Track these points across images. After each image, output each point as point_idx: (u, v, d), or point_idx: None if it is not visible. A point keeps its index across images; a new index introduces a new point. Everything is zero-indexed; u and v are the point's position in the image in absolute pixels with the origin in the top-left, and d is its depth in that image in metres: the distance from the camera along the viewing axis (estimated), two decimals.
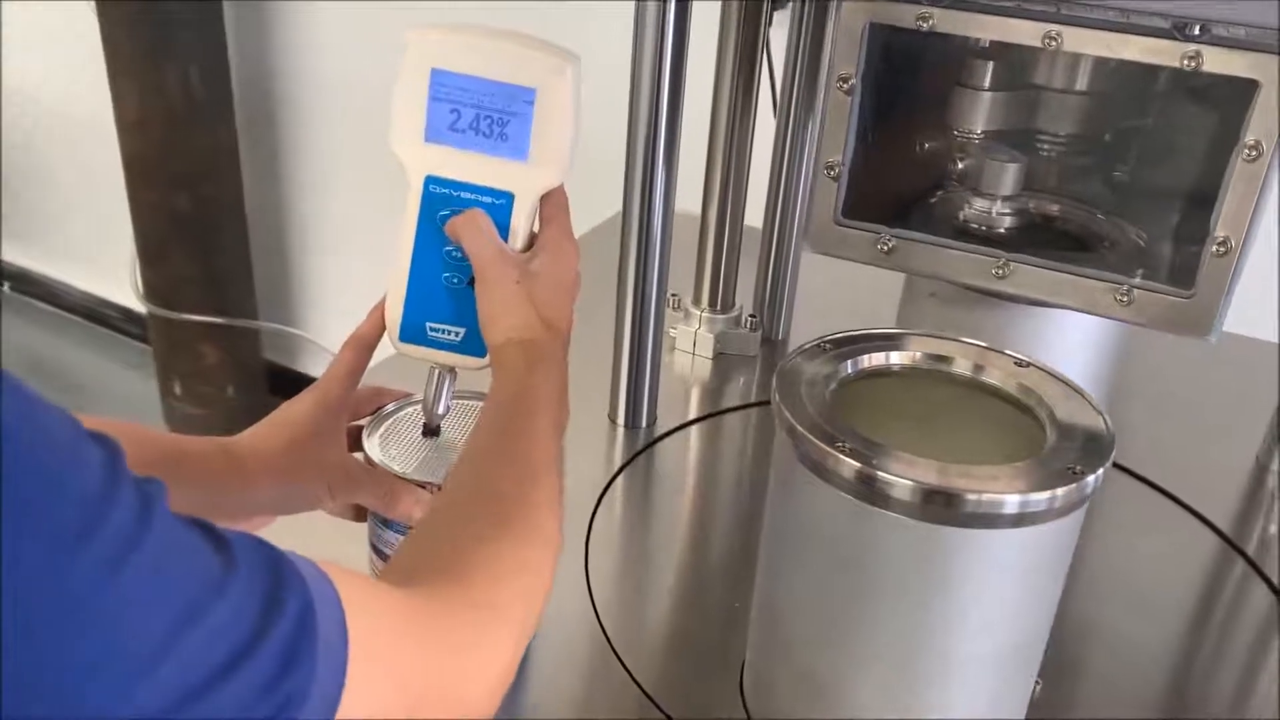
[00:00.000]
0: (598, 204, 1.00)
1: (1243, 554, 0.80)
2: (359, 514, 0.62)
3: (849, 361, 0.57)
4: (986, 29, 0.67)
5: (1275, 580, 0.77)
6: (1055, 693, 0.64)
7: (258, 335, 2.14)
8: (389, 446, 0.61)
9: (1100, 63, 0.72)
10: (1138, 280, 0.68)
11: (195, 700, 0.30)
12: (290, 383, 2.15)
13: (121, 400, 2.33)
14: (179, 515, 0.32)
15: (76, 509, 0.29)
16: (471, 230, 0.56)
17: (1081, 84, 0.74)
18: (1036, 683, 0.58)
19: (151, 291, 2.01)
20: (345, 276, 2.11)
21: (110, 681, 0.29)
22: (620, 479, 0.83)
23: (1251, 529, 0.83)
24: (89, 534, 0.28)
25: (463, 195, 0.57)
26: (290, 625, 0.33)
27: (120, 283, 2.11)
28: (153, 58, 1.80)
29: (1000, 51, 0.73)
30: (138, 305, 2.08)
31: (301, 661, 0.33)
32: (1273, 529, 0.83)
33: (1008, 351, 0.57)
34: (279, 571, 0.34)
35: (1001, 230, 0.77)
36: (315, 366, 2.20)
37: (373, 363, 0.62)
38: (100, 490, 0.29)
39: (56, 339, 2.48)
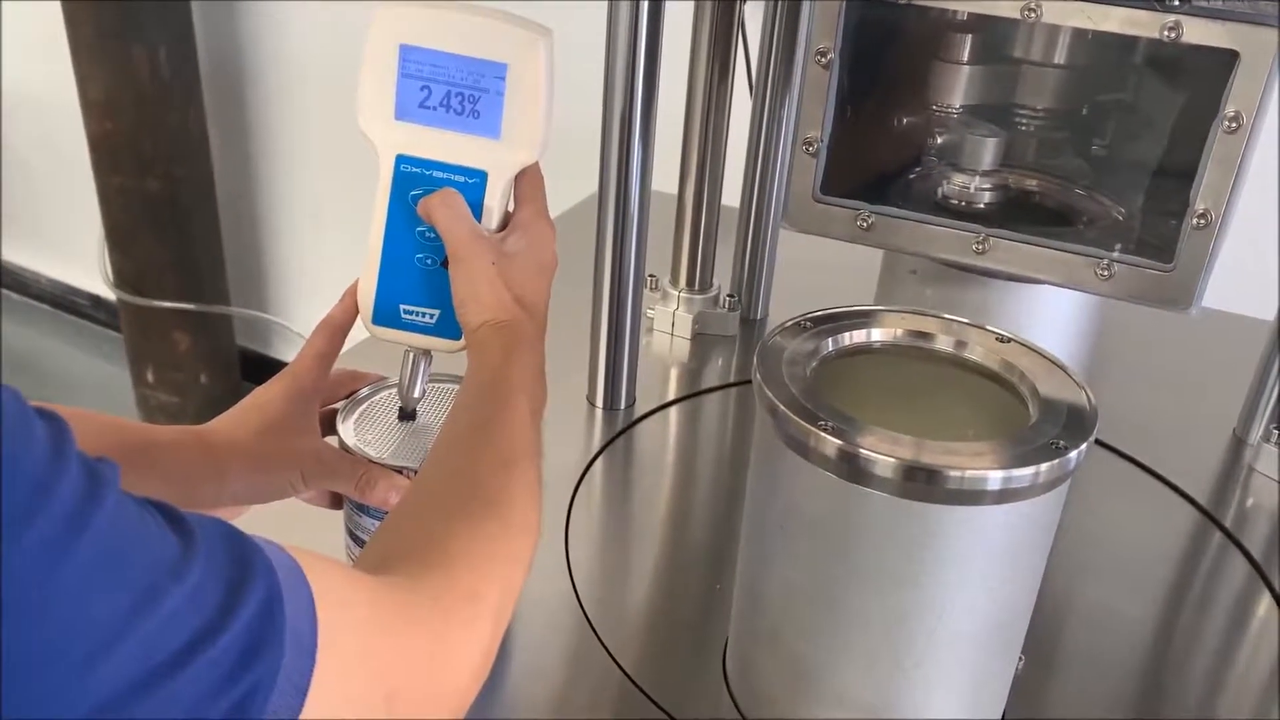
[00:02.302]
0: (574, 183, 0.98)
1: (1220, 526, 0.80)
2: (335, 501, 0.61)
3: (830, 339, 0.56)
4: (965, 1, 0.66)
5: (1252, 551, 0.77)
6: (1038, 669, 0.64)
7: (230, 321, 2.12)
8: (364, 431, 0.60)
9: (1079, 35, 0.72)
10: (1117, 254, 0.68)
11: (152, 688, 0.29)
12: (264, 369, 2.13)
13: (93, 389, 2.30)
14: (134, 497, 0.31)
15: (24, 488, 0.27)
16: (444, 210, 0.54)
17: (1061, 57, 0.73)
18: (1020, 659, 0.58)
19: (121, 278, 1.98)
20: (319, 260, 2.09)
21: (59, 668, 0.28)
22: (599, 461, 0.83)
23: (1229, 502, 0.83)
24: (34, 513, 0.27)
25: (435, 174, 0.56)
26: (255, 612, 0.32)
27: (89, 270, 2.08)
28: (118, 37, 1.77)
29: (979, 24, 0.73)
30: (107, 292, 2.05)
31: (267, 650, 0.32)
32: (1250, 501, 0.84)
33: (989, 327, 0.57)
34: (244, 557, 0.33)
35: (981, 205, 0.76)
36: (289, 352, 2.18)
37: (346, 346, 0.61)
38: (45, 468, 0.28)
39: (25, 328, 2.44)
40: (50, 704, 0.28)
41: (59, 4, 1.77)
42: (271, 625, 0.32)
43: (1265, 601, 0.73)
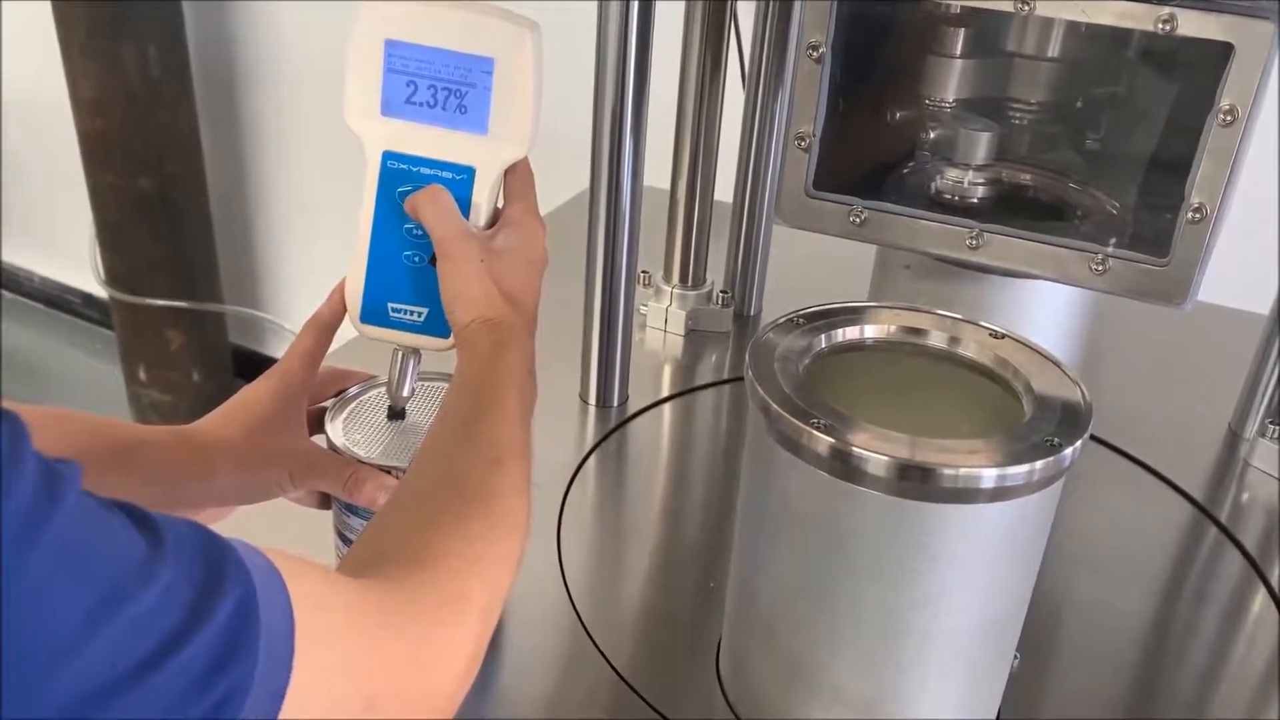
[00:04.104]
0: (565, 179, 0.98)
1: (1216, 522, 0.80)
2: (323, 501, 0.60)
3: (823, 336, 0.56)
4: None
5: (1248, 547, 0.77)
6: (1033, 666, 0.64)
7: (223, 319, 2.11)
8: (352, 431, 0.60)
9: (1073, 28, 0.71)
10: (1112, 249, 0.68)
11: (120, 693, 0.29)
12: (257, 366, 2.11)
13: (86, 387, 2.29)
14: (98, 498, 0.31)
15: None
16: (432, 207, 0.54)
17: (1054, 50, 0.73)
18: (1015, 656, 0.58)
19: (113, 276, 1.97)
20: (311, 257, 2.08)
21: (20, 672, 0.27)
22: (592, 459, 0.82)
23: (1224, 497, 0.83)
24: None
25: (422, 171, 0.55)
26: (228, 617, 0.31)
27: (81, 268, 2.07)
28: (108, 35, 1.76)
29: (972, 17, 0.72)
30: (100, 290, 2.05)
31: (241, 654, 0.31)
32: (1245, 496, 0.83)
33: (982, 323, 0.56)
34: (217, 560, 0.32)
35: (974, 200, 0.76)
36: (282, 349, 2.15)
37: (336, 344, 0.60)
38: None
39: (17, 326, 2.43)
40: (12, 708, 0.27)
41: (49, 3, 1.76)
42: (246, 629, 0.32)
43: (1260, 597, 0.73)
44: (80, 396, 2.25)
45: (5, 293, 2.51)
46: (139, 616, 0.29)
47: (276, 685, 0.32)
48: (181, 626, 0.30)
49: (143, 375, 2.06)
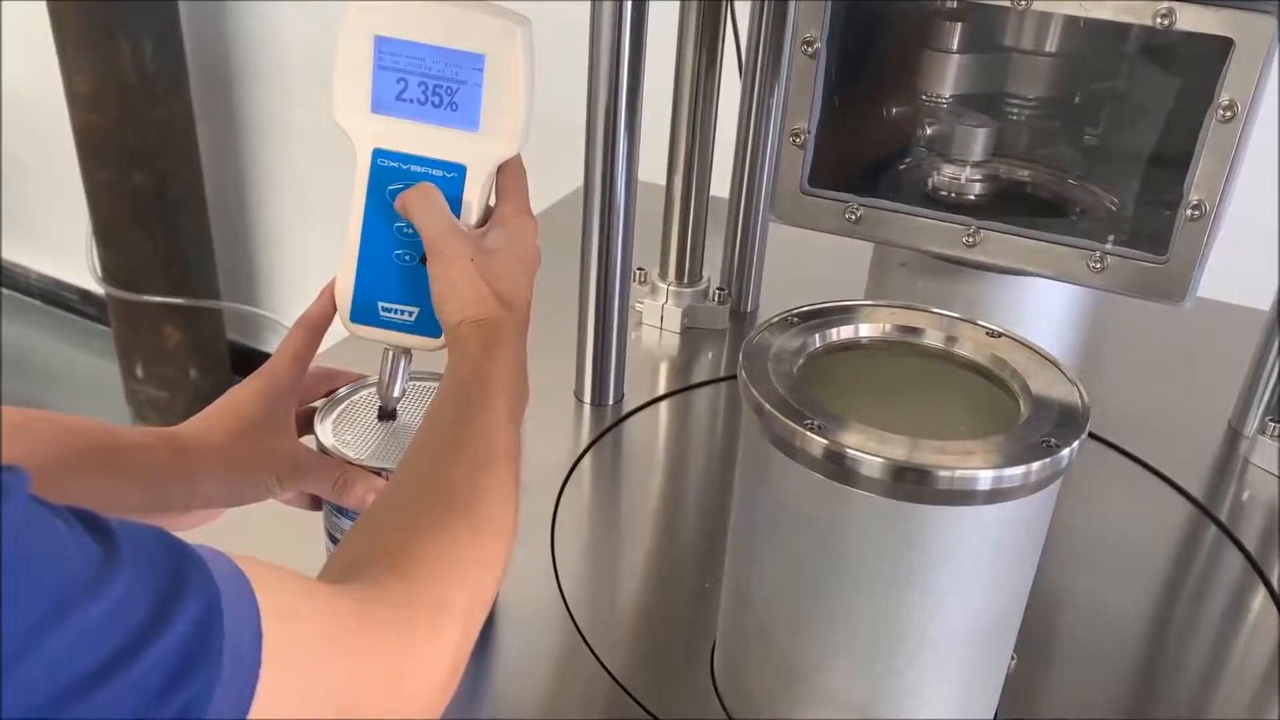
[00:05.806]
0: (559, 176, 0.97)
1: (1215, 520, 0.79)
2: (314, 503, 0.60)
3: (817, 335, 0.55)
4: None
5: (1247, 545, 0.76)
6: (1031, 666, 0.63)
7: (220, 315, 2.11)
8: (342, 431, 0.59)
9: (1071, 23, 0.70)
10: (1110, 246, 0.67)
11: (67, 705, 0.28)
12: (254, 363, 2.10)
13: (83, 384, 2.29)
14: (50, 506, 0.30)
15: None
16: (422, 205, 0.53)
17: (1052, 45, 0.72)
18: (1012, 658, 0.57)
19: (109, 273, 1.96)
20: (308, 253, 2.08)
21: None
22: (587, 458, 0.82)
23: (1224, 495, 0.82)
24: None
25: (412, 168, 0.55)
26: (188, 626, 0.31)
27: (77, 264, 2.06)
28: (103, 31, 1.75)
29: (969, 12, 0.71)
30: (96, 287, 2.04)
31: (201, 664, 0.31)
32: (1245, 495, 0.83)
33: (979, 322, 0.56)
34: (180, 568, 0.32)
35: (971, 197, 0.75)
36: None
37: (326, 344, 0.60)
38: None
39: (13, 323, 2.43)
40: None
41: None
42: (207, 639, 0.31)
43: (1260, 596, 0.73)
44: (77, 393, 2.25)
45: (2, 289, 2.51)
46: (85, 630, 0.29)
47: (242, 694, 0.32)
48: (135, 637, 0.30)
49: (140, 372, 2.06)
